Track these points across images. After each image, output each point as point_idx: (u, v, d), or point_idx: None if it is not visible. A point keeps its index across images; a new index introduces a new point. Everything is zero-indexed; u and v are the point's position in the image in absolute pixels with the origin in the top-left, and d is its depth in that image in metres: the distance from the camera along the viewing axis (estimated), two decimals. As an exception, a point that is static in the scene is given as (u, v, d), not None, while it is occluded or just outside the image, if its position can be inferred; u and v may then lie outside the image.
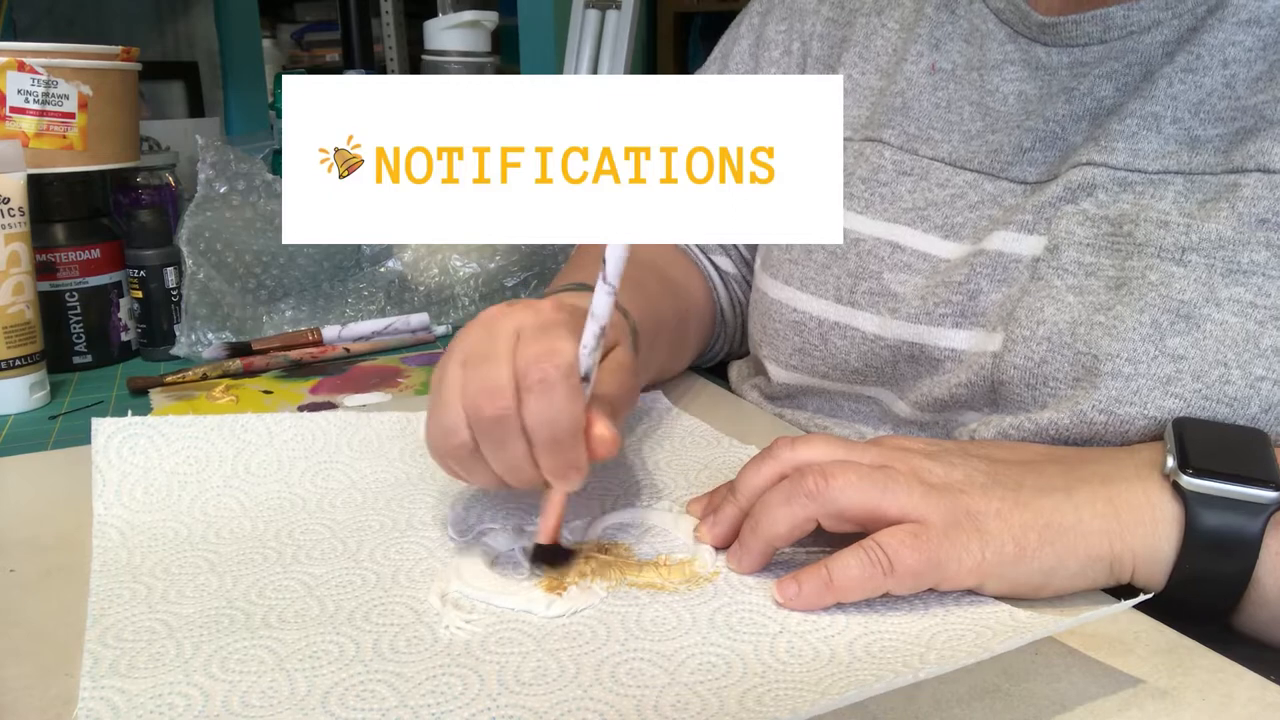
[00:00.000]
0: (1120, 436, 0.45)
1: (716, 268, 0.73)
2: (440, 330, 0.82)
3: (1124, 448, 0.43)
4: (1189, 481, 0.38)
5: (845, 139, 0.61)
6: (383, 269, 0.85)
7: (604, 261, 0.41)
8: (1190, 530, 0.38)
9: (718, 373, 0.73)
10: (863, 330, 0.56)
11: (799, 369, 0.60)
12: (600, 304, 0.41)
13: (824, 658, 0.36)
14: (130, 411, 0.52)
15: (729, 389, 0.69)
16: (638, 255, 0.66)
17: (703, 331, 0.72)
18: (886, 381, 0.57)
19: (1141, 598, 0.35)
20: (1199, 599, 0.39)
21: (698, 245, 0.73)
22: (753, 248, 0.72)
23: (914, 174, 0.57)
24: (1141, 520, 0.38)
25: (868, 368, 0.57)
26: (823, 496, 0.39)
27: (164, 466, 0.50)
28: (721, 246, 0.73)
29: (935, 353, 0.53)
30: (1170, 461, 0.39)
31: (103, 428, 0.51)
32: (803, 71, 0.66)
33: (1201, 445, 0.40)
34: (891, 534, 0.38)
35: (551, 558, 0.42)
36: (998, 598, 0.39)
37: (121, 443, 0.50)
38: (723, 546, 0.43)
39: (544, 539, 0.42)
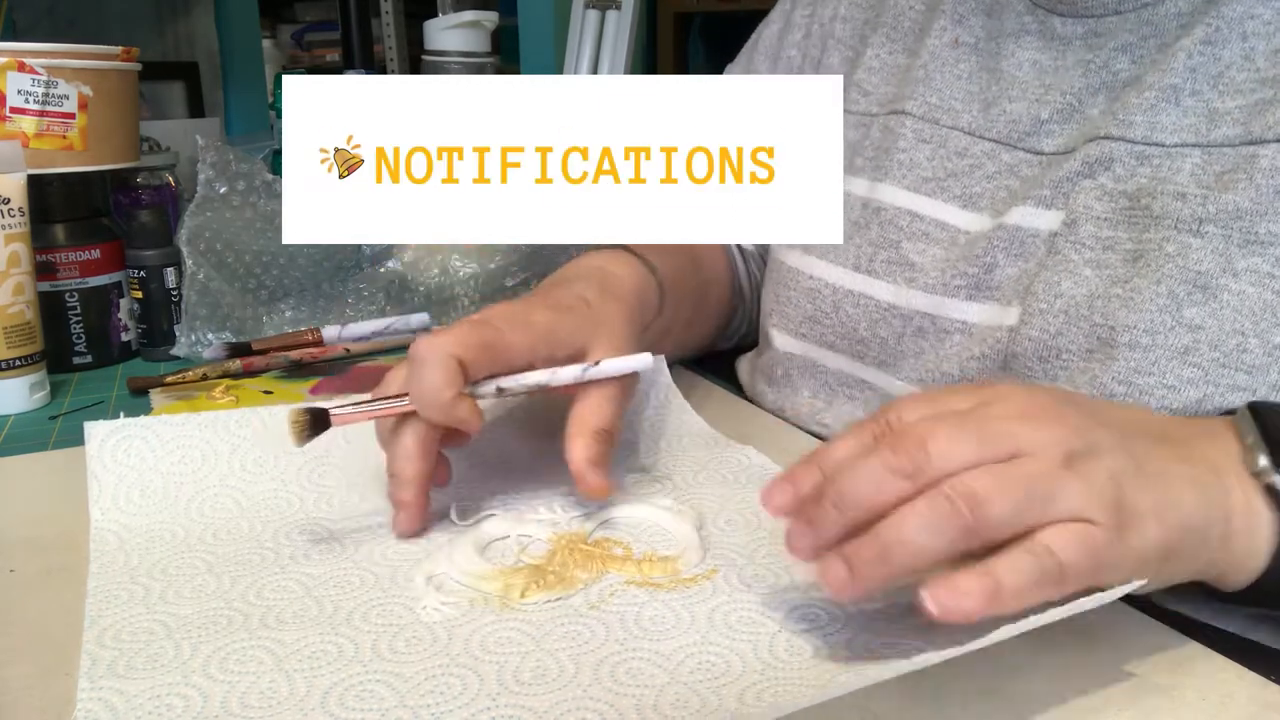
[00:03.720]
0: (1140, 407, 0.44)
1: (739, 245, 0.74)
2: (440, 330, 0.82)
3: (1203, 428, 0.39)
4: None
5: (871, 115, 0.63)
6: (383, 269, 0.85)
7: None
8: None
9: (714, 372, 0.73)
10: (877, 299, 0.57)
11: (807, 337, 0.61)
12: (569, 374, 0.46)
13: (823, 655, 0.36)
14: (123, 414, 0.51)
15: (730, 390, 0.69)
16: (680, 251, 0.68)
17: (723, 304, 0.73)
18: (888, 359, 0.57)
19: (1137, 584, 0.34)
20: (1268, 603, 0.37)
21: None
22: None
23: (932, 142, 0.58)
24: (1243, 529, 0.36)
25: (874, 338, 0.57)
26: (981, 525, 0.32)
27: (159, 468, 0.50)
28: None
29: (946, 324, 0.54)
30: (1263, 460, 0.36)
31: (96, 431, 0.50)
32: (821, 54, 0.68)
33: None
34: (1058, 535, 0.32)
35: (312, 416, 0.44)
36: None
37: (116, 445, 0.50)
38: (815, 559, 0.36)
39: (336, 409, 0.45)
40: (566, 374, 0.47)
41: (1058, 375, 0.48)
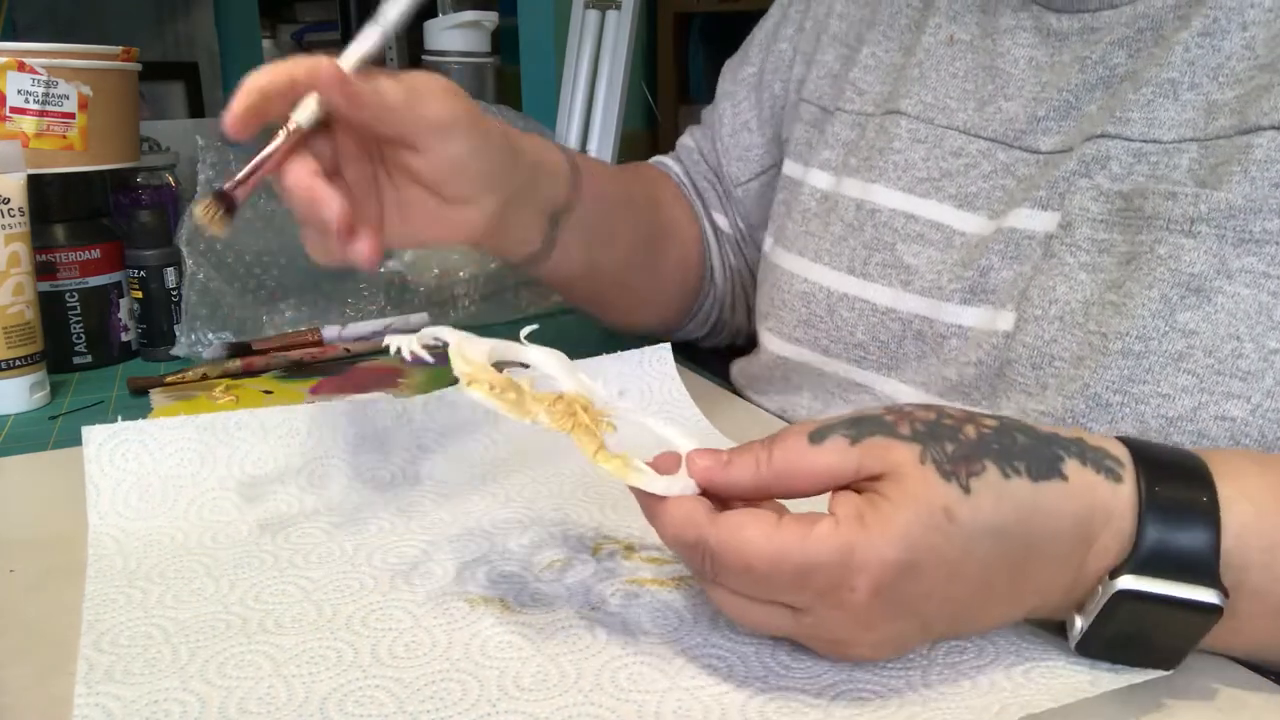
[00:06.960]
0: (1136, 416, 0.44)
1: (713, 225, 0.74)
2: (440, 331, 0.82)
3: (1093, 528, 0.34)
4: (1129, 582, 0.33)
5: (866, 115, 0.62)
6: (383, 269, 0.85)
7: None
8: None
9: (715, 371, 0.73)
10: (873, 302, 0.56)
11: (801, 341, 0.60)
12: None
13: (824, 662, 0.35)
14: (120, 417, 0.51)
15: (729, 389, 0.68)
16: (634, 180, 0.69)
17: (687, 268, 0.72)
18: (888, 361, 0.56)
19: (1158, 673, 0.34)
20: None
21: (697, 198, 0.75)
22: (752, 214, 0.74)
23: (927, 141, 0.57)
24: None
25: (872, 341, 0.57)
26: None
27: (158, 471, 0.49)
28: (721, 203, 0.75)
29: (941, 328, 0.53)
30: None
31: (93, 435, 0.49)
32: (815, 50, 0.67)
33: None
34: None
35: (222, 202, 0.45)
36: None
37: (114, 449, 0.49)
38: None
39: (229, 184, 0.45)
40: None
41: (1048, 383, 0.47)
